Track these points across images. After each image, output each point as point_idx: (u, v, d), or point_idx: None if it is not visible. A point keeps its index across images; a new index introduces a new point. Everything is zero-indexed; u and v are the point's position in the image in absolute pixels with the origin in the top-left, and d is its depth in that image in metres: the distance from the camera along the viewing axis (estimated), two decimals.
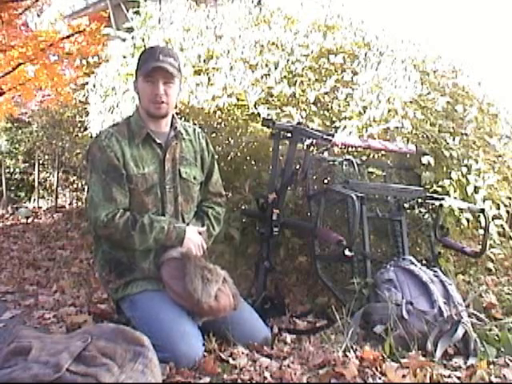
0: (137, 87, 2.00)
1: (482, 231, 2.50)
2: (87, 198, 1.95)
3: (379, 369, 1.60)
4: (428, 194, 2.50)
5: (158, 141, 1.97)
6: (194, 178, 2.06)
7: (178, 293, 1.82)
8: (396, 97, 2.69)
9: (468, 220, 2.66)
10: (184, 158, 2.04)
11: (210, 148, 2.16)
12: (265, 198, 2.33)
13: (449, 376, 1.60)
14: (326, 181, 2.58)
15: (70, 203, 7.12)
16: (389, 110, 2.66)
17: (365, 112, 2.72)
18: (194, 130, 2.14)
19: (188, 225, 1.99)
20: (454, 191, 2.63)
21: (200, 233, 2.00)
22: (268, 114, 2.76)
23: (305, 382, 1.57)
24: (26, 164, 8.20)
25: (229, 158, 2.82)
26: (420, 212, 2.63)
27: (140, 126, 1.97)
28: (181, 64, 2.00)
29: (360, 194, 2.09)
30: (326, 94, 2.95)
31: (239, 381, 1.59)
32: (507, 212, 2.86)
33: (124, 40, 3.77)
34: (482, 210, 2.37)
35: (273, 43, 3.24)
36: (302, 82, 2.98)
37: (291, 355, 1.80)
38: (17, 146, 8.12)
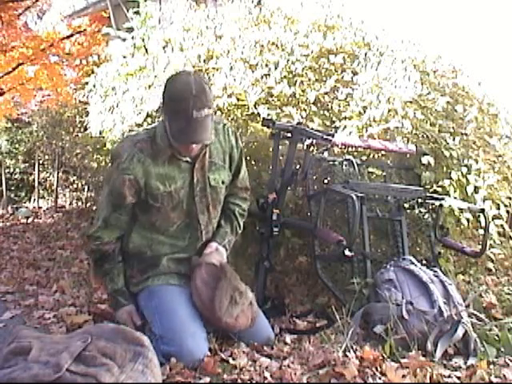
0: (165, 120, 1.83)
1: (482, 231, 2.50)
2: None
3: (379, 369, 1.59)
4: (428, 194, 2.50)
5: (185, 159, 1.90)
6: (223, 183, 2.01)
7: (203, 301, 1.82)
8: (396, 97, 2.69)
9: (468, 220, 2.66)
10: (213, 162, 1.97)
11: (239, 144, 2.07)
12: (265, 198, 2.33)
13: (449, 376, 1.60)
14: (326, 181, 2.58)
15: (70, 203, 7.10)
16: (389, 110, 2.66)
17: (365, 112, 2.72)
18: (224, 125, 2.03)
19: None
20: (454, 191, 2.63)
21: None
22: (268, 114, 2.75)
23: (305, 382, 1.57)
24: (26, 164, 8.19)
25: None
26: (420, 212, 2.63)
27: (166, 144, 1.86)
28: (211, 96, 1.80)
29: (360, 194, 2.09)
30: (326, 93, 2.95)
31: (239, 381, 1.59)
32: (507, 212, 2.86)
33: (124, 40, 3.77)
34: (482, 210, 2.37)
35: (273, 43, 3.23)
36: (302, 81, 2.97)
37: (291, 355, 1.80)
38: (17, 146, 8.11)
